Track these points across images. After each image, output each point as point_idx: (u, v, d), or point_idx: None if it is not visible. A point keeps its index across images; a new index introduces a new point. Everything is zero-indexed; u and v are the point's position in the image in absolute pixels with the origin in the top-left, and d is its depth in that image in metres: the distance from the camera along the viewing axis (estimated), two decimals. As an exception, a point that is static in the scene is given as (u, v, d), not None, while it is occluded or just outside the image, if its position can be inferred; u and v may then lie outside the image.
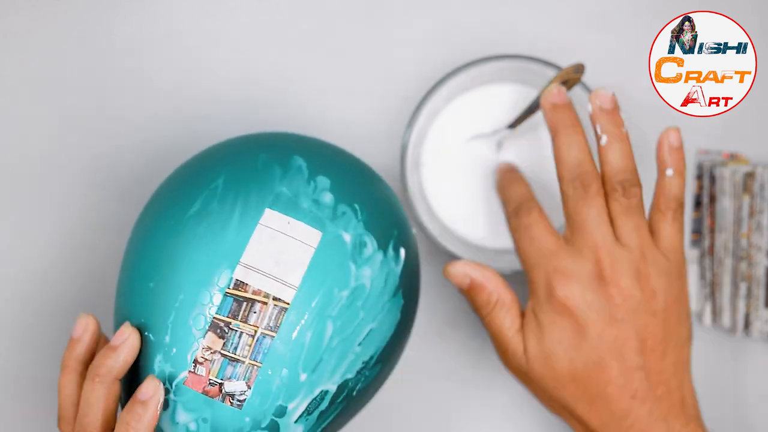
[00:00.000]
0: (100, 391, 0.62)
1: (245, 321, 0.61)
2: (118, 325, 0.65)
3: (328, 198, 0.64)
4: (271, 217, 0.63)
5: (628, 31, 0.82)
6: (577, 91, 0.77)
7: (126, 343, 0.62)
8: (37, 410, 0.81)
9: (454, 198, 0.80)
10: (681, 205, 0.69)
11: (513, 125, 0.78)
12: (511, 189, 0.74)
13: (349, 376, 0.63)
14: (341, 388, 0.63)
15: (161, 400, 0.61)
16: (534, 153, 0.80)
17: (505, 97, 0.80)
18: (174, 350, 0.62)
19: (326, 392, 0.63)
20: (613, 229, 0.68)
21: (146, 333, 0.63)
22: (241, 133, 0.82)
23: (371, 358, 0.64)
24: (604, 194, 0.69)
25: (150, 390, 0.61)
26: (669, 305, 0.67)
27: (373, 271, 0.64)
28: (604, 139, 0.69)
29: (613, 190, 0.69)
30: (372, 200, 0.66)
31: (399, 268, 0.65)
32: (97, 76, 0.82)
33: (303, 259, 0.62)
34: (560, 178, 0.69)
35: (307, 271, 0.62)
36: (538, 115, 0.78)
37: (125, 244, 0.69)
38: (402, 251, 0.66)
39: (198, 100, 0.82)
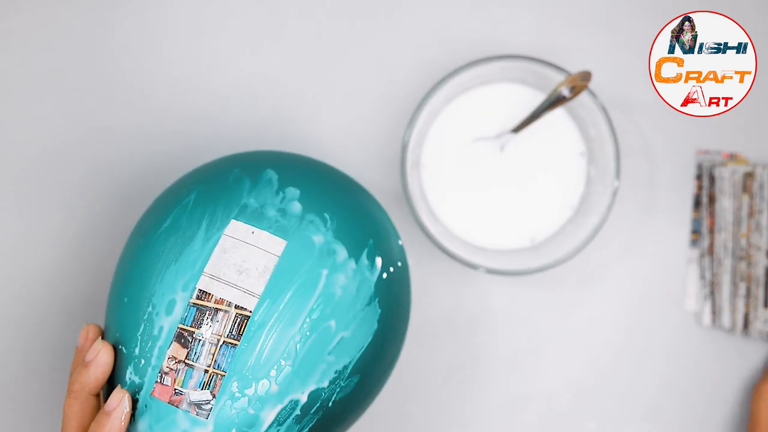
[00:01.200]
0: (75, 407, 0.63)
1: (208, 330, 0.62)
2: (109, 341, 0.66)
3: (296, 207, 0.64)
4: (235, 227, 0.63)
5: (628, 31, 0.82)
6: (582, 97, 0.77)
7: (96, 360, 0.63)
8: (39, 412, 0.81)
9: (455, 198, 0.80)
10: None
11: (517, 129, 0.78)
12: None
13: (322, 385, 0.63)
14: (313, 397, 0.63)
15: (126, 410, 0.62)
16: (536, 155, 0.80)
17: (505, 98, 0.80)
18: (142, 362, 0.62)
19: (296, 402, 0.62)
20: None
21: (120, 346, 0.64)
22: (241, 129, 0.82)
23: (345, 367, 0.64)
24: None
25: (114, 402, 0.62)
26: None
27: (344, 279, 0.64)
28: None
29: None
30: (345, 209, 0.66)
31: (374, 277, 0.65)
32: (98, 75, 0.82)
33: (267, 267, 0.63)
34: None
35: (270, 279, 0.62)
36: (541, 119, 0.78)
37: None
38: (378, 260, 0.66)
39: (198, 100, 0.82)
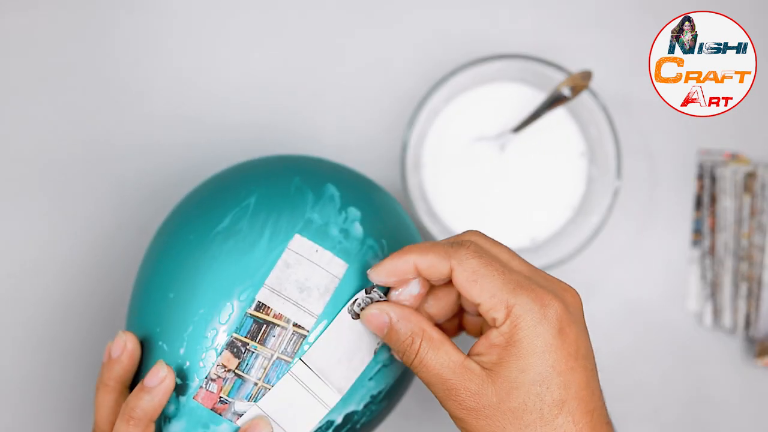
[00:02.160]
0: None
1: (263, 344, 0.61)
2: (129, 329, 0.65)
3: (358, 230, 0.63)
4: (299, 242, 0.62)
5: (628, 31, 0.82)
6: (582, 97, 0.77)
7: (161, 386, 0.61)
8: (57, 412, 0.81)
9: (455, 198, 0.80)
10: None
11: (517, 129, 0.78)
12: None
13: (356, 408, 0.63)
14: (346, 419, 0.63)
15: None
16: (537, 155, 0.80)
17: (505, 97, 0.80)
18: (187, 363, 0.61)
19: (332, 422, 0.62)
20: None
21: (160, 342, 0.62)
22: (241, 129, 0.82)
23: (380, 393, 0.63)
24: None
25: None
26: None
27: None
28: None
29: None
30: (398, 237, 0.65)
31: None
32: (99, 75, 0.83)
33: (327, 288, 0.62)
34: None
35: (329, 301, 0.61)
36: (541, 119, 0.78)
37: (145, 248, 0.69)
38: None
39: (198, 100, 0.82)
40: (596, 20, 0.82)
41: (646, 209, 0.82)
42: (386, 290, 0.62)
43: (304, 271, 0.62)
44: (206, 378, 0.61)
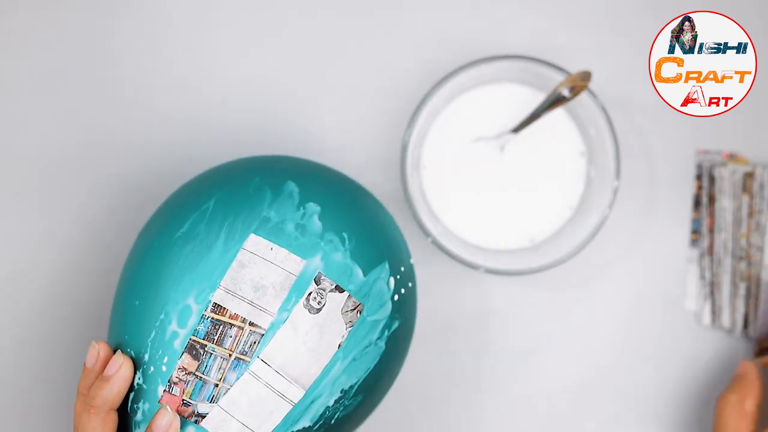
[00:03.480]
0: (96, 422, 0.62)
1: (220, 344, 0.61)
2: (110, 342, 0.65)
3: (316, 225, 0.64)
4: (254, 241, 0.63)
5: (627, 31, 0.82)
6: (581, 97, 0.77)
7: (118, 374, 0.62)
8: (46, 414, 0.81)
9: (455, 198, 0.80)
10: None
11: (517, 129, 0.78)
12: None
13: (327, 404, 0.63)
14: (318, 415, 0.63)
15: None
16: (536, 155, 0.80)
17: (505, 98, 0.80)
18: (152, 369, 0.62)
19: (301, 415, 0.62)
20: None
21: (128, 350, 0.63)
22: (240, 130, 0.82)
23: (351, 387, 0.64)
24: None
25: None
26: None
27: None
28: None
29: None
30: (363, 230, 0.65)
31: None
32: (98, 75, 0.82)
33: (283, 286, 0.62)
34: None
35: (285, 299, 0.62)
36: (541, 119, 0.78)
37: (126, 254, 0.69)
38: (392, 281, 0.66)
39: (198, 101, 0.82)
40: (596, 21, 0.82)
41: (645, 209, 0.82)
42: (337, 280, 0.62)
43: (258, 270, 0.62)
44: (168, 382, 0.61)
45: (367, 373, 0.64)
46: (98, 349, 0.64)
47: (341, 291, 0.63)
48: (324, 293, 0.62)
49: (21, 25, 0.82)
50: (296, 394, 0.62)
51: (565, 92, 0.76)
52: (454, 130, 0.80)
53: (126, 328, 0.64)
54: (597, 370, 0.82)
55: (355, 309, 0.63)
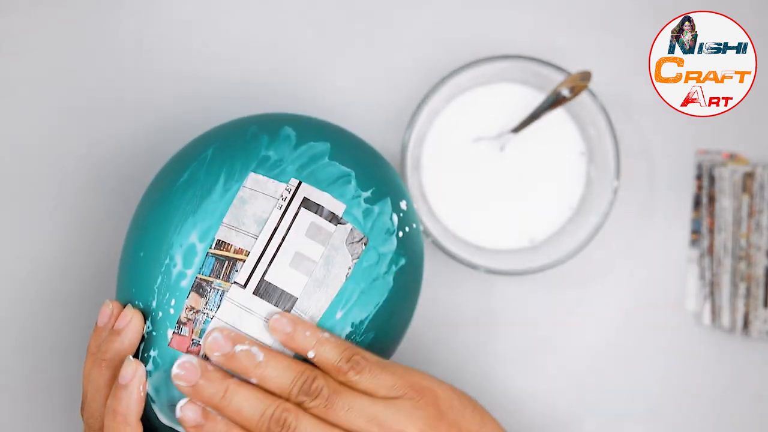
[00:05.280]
0: (108, 375, 0.62)
1: (227, 279, 0.61)
2: (119, 300, 0.65)
3: (319, 156, 0.64)
4: (254, 179, 0.63)
5: (628, 31, 0.82)
6: (581, 97, 0.77)
7: (129, 326, 0.62)
8: (41, 404, 0.81)
9: (455, 198, 0.80)
10: (352, 357, 0.63)
11: (517, 129, 0.78)
12: None
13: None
14: None
15: (143, 380, 0.61)
16: (536, 155, 0.80)
17: (504, 98, 0.80)
18: (160, 314, 0.62)
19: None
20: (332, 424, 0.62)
21: (137, 302, 0.63)
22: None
23: (362, 322, 0.64)
24: (301, 407, 0.62)
25: (128, 374, 0.61)
26: None
27: None
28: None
29: (302, 400, 0.62)
30: (362, 166, 0.66)
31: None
32: (97, 74, 0.82)
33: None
34: None
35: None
36: (541, 119, 0.78)
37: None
38: (395, 217, 0.66)
39: (198, 101, 0.82)
40: (595, 21, 0.82)
41: (645, 209, 0.82)
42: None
43: (260, 204, 0.63)
44: (177, 323, 0.61)
45: (377, 308, 0.64)
46: (111, 307, 0.64)
47: (345, 223, 0.63)
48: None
49: (21, 25, 0.82)
50: None
51: (565, 92, 0.76)
52: (454, 130, 0.80)
53: (133, 281, 0.64)
54: (597, 370, 0.82)
55: (360, 240, 0.63)
